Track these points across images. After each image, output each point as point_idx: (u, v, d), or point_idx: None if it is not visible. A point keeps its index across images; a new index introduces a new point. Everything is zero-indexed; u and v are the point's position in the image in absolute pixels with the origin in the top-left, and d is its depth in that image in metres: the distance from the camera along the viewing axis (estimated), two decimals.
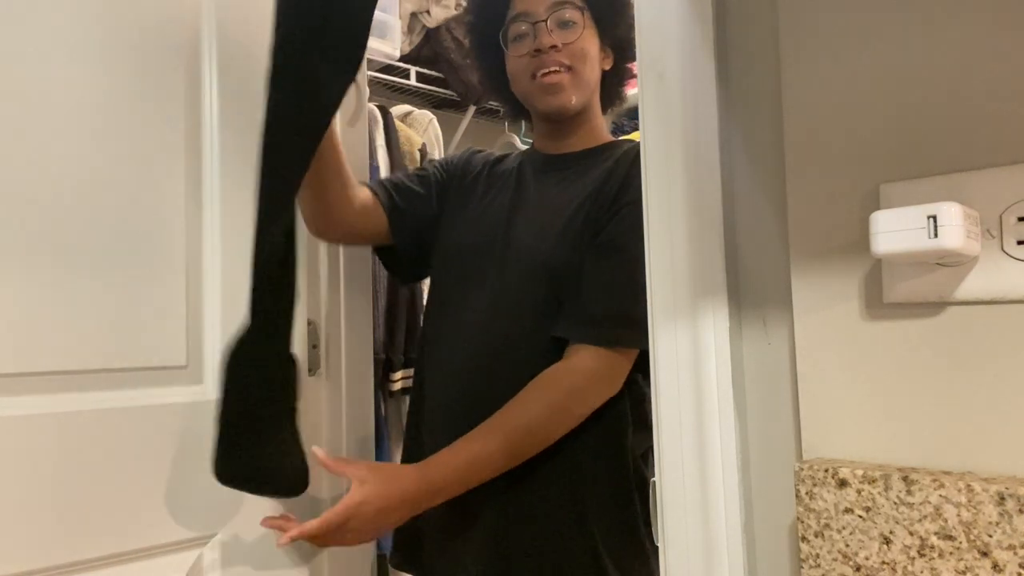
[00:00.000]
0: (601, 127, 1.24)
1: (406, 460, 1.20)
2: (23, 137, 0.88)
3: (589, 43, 1.16)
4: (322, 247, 1.20)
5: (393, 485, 0.97)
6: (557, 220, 1.12)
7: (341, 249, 1.22)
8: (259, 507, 1.04)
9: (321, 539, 0.96)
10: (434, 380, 1.16)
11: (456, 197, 1.25)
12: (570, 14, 1.14)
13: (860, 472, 0.54)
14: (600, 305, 1.04)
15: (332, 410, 1.19)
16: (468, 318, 1.13)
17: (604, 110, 1.25)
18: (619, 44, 1.21)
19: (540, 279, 1.09)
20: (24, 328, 0.87)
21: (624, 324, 1.03)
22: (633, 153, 1.13)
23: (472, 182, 1.26)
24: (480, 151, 1.35)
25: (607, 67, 1.22)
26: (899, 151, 0.57)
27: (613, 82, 1.24)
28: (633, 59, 1.19)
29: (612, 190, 1.10)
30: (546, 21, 1.13)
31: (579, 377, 1.03)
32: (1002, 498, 0.48)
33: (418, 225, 1.23)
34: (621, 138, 1.29)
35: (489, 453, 0.99)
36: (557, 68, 1.13)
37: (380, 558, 1.44)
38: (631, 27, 1.05)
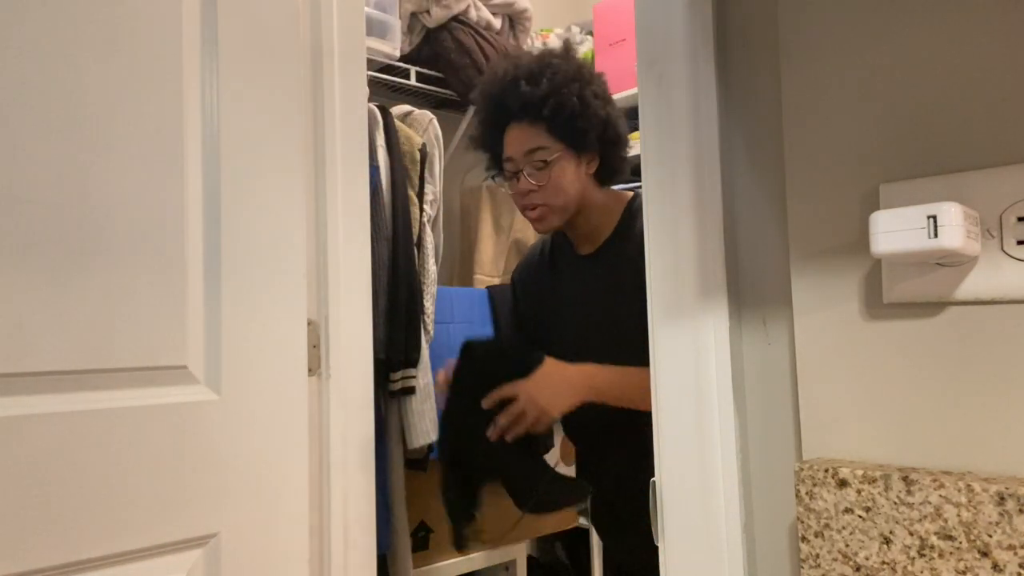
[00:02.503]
0: (605, 209, 1.40)
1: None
2: (19, 135, 0.88)
3: (564, 171, 1.32)
4: (322, 247, 1.20)
5: (555, 366, 1.26)
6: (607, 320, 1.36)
7: (341, 249, 1.22)
8: (259, 507, 1.04)
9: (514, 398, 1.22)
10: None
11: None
12: (541, 155, 1.31)
13: (860, 472, 0.54)
14: None
15: (332, 410, 1.19)
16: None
17: (609, 182, 1.42)
18: (601, 143, 1.36)
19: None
20: (23, 328, 0.87)
21: None
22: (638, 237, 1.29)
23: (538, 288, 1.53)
24: (531, 253, 1.59)
25: (592, 171, 1.37)
26: (899, 151, 0.57)
27: (606, 171, 1.39)
28: (617, 139, 1.37)
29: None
30: (523, 170, 1.32)
31: None
32: (1002, 498, 0.48)
33: None
34: (626, 190, 1.45)
35: (626, 378, 1.24)
36: (534, 207, 1.33)
37: (381, 558, 1.44)
38: (610, 134, 1.34)
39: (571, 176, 1.34)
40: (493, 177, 1.48)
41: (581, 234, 1.42)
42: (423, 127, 1.97)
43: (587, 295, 1.41)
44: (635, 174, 1.23)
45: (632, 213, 1.39)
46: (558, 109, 1.31)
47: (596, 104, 1.32)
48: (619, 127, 1.36)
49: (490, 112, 1.38)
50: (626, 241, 1.37)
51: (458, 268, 2.50)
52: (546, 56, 1.36)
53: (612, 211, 1.41)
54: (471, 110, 2.30)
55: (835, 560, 0.55)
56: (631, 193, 1.44)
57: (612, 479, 1.39)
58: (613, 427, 1.32)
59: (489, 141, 1.41)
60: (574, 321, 1.42)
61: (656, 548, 1.22)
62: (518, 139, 1.34)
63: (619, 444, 1.36)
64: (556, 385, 1.24)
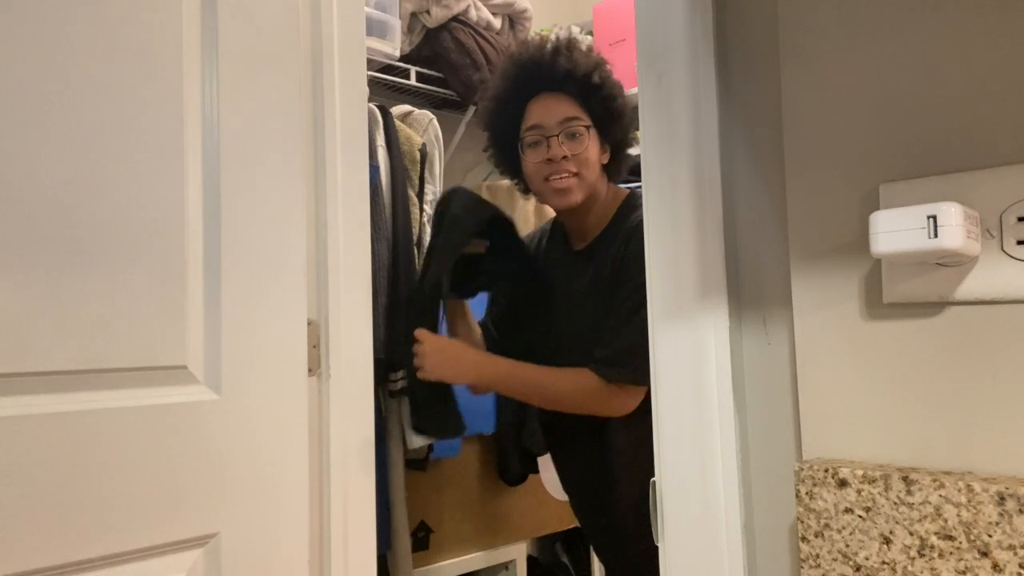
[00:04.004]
0: (605, 204, 1.44)
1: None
2: (19, 136, 0.88)
3: (592, 150, 1.36)
4: (322, 247, 1.20)
5: (462, 346, 1.41)
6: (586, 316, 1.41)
7: (341, 249, 1.22)
8: (259, 507, 1.04)
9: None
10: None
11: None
12: (577, 127, 1.34)
13: (860, 472, 0.54)
14: (607, 350, 1.33)
15: (332, 410, 1.19)
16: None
17: (614, 179, 1.47)
18: (616, 143, 1.43)
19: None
20: (23, 328, 0.87)
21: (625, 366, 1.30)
22: (633, 231, 1.34)
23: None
24: (529, 240, 1.61)
25: (605, 162, 1.42)
26: (899, 151, 0.57)
27: (612, 168, 1.45)
28: (628, 139, 1.43)
29: (613, 278, 1.36)
30: (557, 136, 1.34)
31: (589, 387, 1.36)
32: (1002, 498, 0.48)
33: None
34: (626, 188, 1.47)
35: (531, 379, 1.36)
36: (566, 175, 1.34)
37: (381, 558, 1.44)
38: (627, 129, 1.41)
39: (595, 157, 1.37)
40: (485, 149, 1.51)
41: (580, 227, 1.44)
42: (423, 127, 1.97)
43: (571, 292, 1.44)
44: (633, 173, 1.27)
45: (624, 211, 1.42)
46: (598, 88, 1.36)
47: (625, 97, 1.38)
48: (632, 128, 1.39)
49: (518, 81, 1.39)
50: (612, 239, 1.40)
51: None
52: (574, 38, 1.40)
53: (609, 207, 1.43)
54: (471, 110, 2.30)
55: (835, 560, 0.55)
56: (627, 191, 1.46)
57: (575, 472, 1.51)
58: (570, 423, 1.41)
59: (509, 112, 1.41)
60: (556, 317, 1.46)
61: (626, 543, 1.26)
62: (550, 107, 1.36)
63: (581, 440, 1.44)
64: (450, 358, 1.36)
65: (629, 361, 1.26)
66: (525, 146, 1.40)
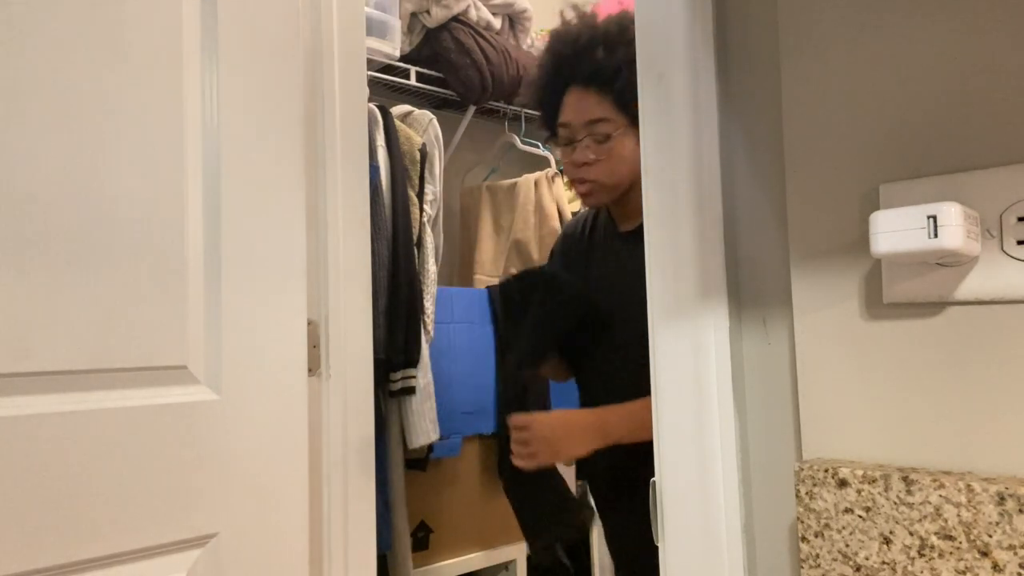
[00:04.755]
0: None
1: None
2: (19, 136, 0.88)
3: (624, 146, 1.25)
4: (322, 247, 1.20)
5: (572, 412, 1.27)
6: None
7: (341, 249, 1.22)
8: (259, 507, 1.04)
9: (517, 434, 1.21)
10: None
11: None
12: (604, 128, 1.24)
13: (860, 472, 0.54)
14: None
15: (332, 410, 1.19)
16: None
17: None
18: None
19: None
20: (23, 328, 0.87)
21: None
22: None
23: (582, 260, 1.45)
24: (569, 230, 1.52)
25: None
26: (899, 151, 0.57)
27: None
28: None
29: None
30: (583, 140, 1.25)
31: None
32: (1002, 498, 0.48)
33: None
34: None
35: (636, 418, 1.18)
36: (586, 184, 1.27)
37: (381, 558, 1.44)
38: None
39: (630, 152, 1.26)
40: (544, 141, 1.42)
41: (627, 210, 1.34)
42: (423, 127, 1.97)
43: (619, 275, 1.34)
44: None
45: None
46: (633, 82, 1.29)
47: None
48: None
49: (553, 71, 1.31)
50: None
51: (458, 268, 2.50)
52: (628, 21, 1.24)
53: None
54: (471, 110, 2.30)
55: (835, 560, 0.55)
56: None
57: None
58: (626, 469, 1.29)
59: (547, 100, 1.33)
60: (609, 305, 1.35)
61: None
62: (580, 106, 1.27)
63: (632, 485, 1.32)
64: (565, 434, 1.22)
65: None
66: (557, 143, 1.34)
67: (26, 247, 0.88)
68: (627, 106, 1.23)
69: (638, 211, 1.33)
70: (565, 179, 1.49)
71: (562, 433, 1.22)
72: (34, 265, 0.88)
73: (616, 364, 1.30)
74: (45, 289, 0.89)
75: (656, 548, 1.22)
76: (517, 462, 1.22)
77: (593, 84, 1.24)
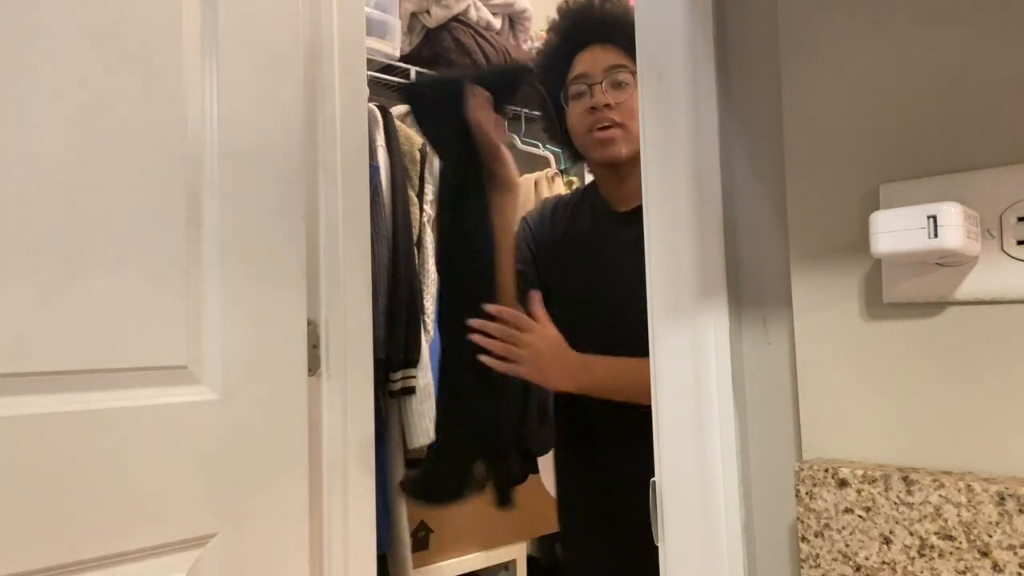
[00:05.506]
0: None
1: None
2: (19, 136, 0.88)
3: (636, 102, 1.27)
4: (322, 247, 1.20)
5: (563, 345, 1.18)
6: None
7: (341, 249, 1.22)
8: (259, 507, 1.05)
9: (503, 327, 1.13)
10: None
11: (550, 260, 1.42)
12: (623, 76, 1.27)
13: (860, 472, 0.54)
14: None
15: (332, 410, 1.19)
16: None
17: None
18: None
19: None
20: (23, 328, 0.87)
21: None
22: None
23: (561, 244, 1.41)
24: (550, 205, 1.47)
25: None
26: (899, 151, 0.57)
27: None
28: None
29: None
30: (601, 83, 1.26)
31: None
32: (1002, 498, 0.48)
33: None
34: None
35: (623, 374, 1.17)
36: (610, 124, 1.26)
37: (381, 558, 1.44)
38: None
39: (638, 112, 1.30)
40: (558, 98, 1.36)
41: (621, 191, 1.34)
42: None
43: (614, 255, 1.32)
44: None
45: None
46: None
47: None
48: None
49: (566, 33, 1.33)
50: None
51: None
52: None
53: None
54: None
55: (835, 560, 0.55)
56: None
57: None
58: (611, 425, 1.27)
59: (556, 67, 1.34)
60: (593, 283, 1.34)
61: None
62: (597, 57, 1.29)
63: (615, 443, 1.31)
64: (555, 358, 1.17)
65: None
66: (569, 98, 1.32)
67: (26, 247, 0.88)
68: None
69: (634, 193, 1.30)
70: (565, 178, 1.46)
71: (557, 352, 1.16)
72: (34, 265, 0.88)
73: (615, 347, 1.24)
74: (45, 289, 0.89)
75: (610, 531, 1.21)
76: (490, 361, 1.11)
77: (610, 38, 1.27)
